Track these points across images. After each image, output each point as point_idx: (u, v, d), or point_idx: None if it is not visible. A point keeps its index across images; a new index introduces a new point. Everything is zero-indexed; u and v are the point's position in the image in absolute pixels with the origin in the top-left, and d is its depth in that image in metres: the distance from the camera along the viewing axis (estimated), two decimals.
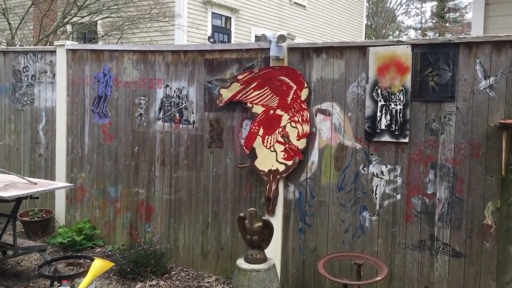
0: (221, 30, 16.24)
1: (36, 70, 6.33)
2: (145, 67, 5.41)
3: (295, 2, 19.71)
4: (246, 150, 4.69)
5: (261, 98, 4.60)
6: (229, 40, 16.22)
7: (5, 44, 9.54)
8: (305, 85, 4.40)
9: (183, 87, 5.15)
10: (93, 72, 5.81)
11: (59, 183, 5.10)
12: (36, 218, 5.87)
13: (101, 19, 9.83)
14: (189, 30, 12.94)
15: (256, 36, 17.23)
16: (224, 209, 4.94)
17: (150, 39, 10.81)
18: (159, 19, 10.05)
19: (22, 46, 9.46)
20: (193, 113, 5.10)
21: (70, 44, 6.05)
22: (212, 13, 15.76)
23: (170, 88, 5.24)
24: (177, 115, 5.21)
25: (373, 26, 35.67)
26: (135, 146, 5.52)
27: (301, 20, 19.80)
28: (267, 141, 4.58)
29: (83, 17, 9.38)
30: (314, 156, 4.42)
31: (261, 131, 4.60)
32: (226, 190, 4.92)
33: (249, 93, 4.64)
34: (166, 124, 5.30)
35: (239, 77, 4.69)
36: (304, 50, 4.45)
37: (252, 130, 4.65)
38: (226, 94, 4.77)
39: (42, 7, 9.36)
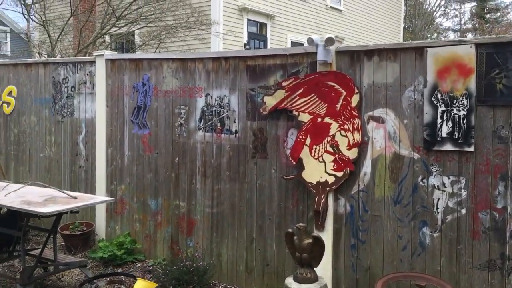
0: (257, 37, 16.07)
1: (75, 81, 6.27)
2: (185, 75, 5.23)
3: (331, 7, 19.37)
4: (292, 160, 4.42)
5: (307, 105, 4.32)
6: (264, 47, 16.02)
7: (45, 56, 9.66)
8: (356, 91, 4.10)
9: (225, 95, 4.94)
10: (132, 82, 5.68)
11: (99, 197, 4.96)
12: (76, 232, 5.77)
13: (138, 28, 9.81)
14: (225, 38, 12.81)
15: (292, 42, 16.97)
16: (270, 223, 4.68)
17: (187, 47, 10.73)
18: (196, 27, 9.94)
19: (62, 57, 9.54)
20: (235, 122, 4.88)
21: (109, 54, 5.96)
22: (248, 20, 15.61)
23: (211, 97, 5.04)
24: (219, 124, 5.00)
25: (410, 29, 34.83)
26: (175, 157, 5.34)
27: (338, 25, 19.42)
28: (315, 151, 4.30)
29: (121, 27, 9.38)
30: (367, 167, 4.11)
31: (308, 141, 4.33)
32: (271, 203, 4.66)
33: (294, 100, 4.38)
34: (207, 134, 5.09)
35: (284, 83, 4.44)
36: (353, 54, 4.16)
37: (298, 139, 4.37)
38: (270, 101, 4.52)
39: (81, 18, 9.41)
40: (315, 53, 4.26)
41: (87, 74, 6.15)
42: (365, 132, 4.11)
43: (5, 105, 6.96)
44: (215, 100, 5.01)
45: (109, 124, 5.90)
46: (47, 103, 6.56)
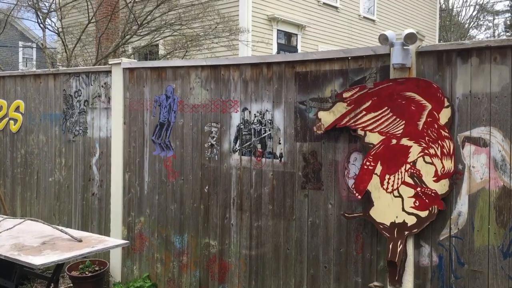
0: (287, 48, 15.15)
1: (89, 94, 5.41)
2: (217, 86, 4.30)
3: (364, 17, 18.38)
4: (356, 194, 3.41)
5: (378, 122, 3.32)
6: None
7: (60, 67, 8.93)
8: (445, 104, 3.09)
9: (266, 110, 3.98)
10: (153, 95, 4.78)
11: (110, 239, 4.02)
12: (87, 273, 4.85)
13: (163, 38, 9.00)
14: (254, 46, 11.89)
15: None
16: (325, 273, 3.65)
17: (214, 56, 9.85)
18: (224, 35, 9.08)
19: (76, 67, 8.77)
20: (279, 143, 3.90)
21: (127, 62, 5.08)
22: (278, 30, 14.73)
23: (249, 112, 4.09)
24: (259, 146, 4.04)
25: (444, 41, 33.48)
26: (204, 185, 4.38)
27: (370, 36, 18.39)
28: (388, 183, 3.28)
29: (143, 36, 8.59)
30: (462, 205, 3.07)
31: (378, 168, 3.31)
32: (327, 247, 3.64)
33: (360, 116, 3.39)
34: (244, 158, 4.13)
35: (345, 94, 3.45)
36: (442, 54, 3.15)
37: (365, 166, 3.37)
38: (327, 118, 3.54)
39: (100, 27, 8.65)
40: (387, 54, 3.29)
41: (102, 86, 5.28)
42: (459, 159, 3.07)
43: (11, 122, 6.15)
44: (255, 116, 4.06)
45: (126, 144, 5.00)
46: (57, 119, 5.71)
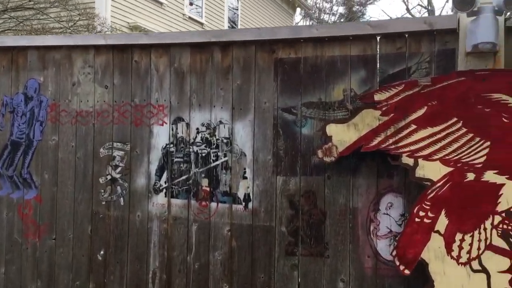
0: None
1: None
2: (125, 80, 2.54)
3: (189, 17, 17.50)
4: (400, 266, 1.99)
5: (439, 144, 1.97)
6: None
7: None
8: None
9: (220, 122, 2.36)
10: (1, 93, 2.79)
11: None
12: None
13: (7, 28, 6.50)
14: None
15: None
16: None
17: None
18: (83, 30, 6.95)
19: None
20: (244, 177, 2.31)
21: None
22: None
23: (187, 125, 2.42)
24: (204, 182, 2.38)
25: None
26: (98, 248, 2.54)
27: None
28: (461, 247, 1.93)
29: None
30: None
31: (442, 223, 1.95)
32: None
33: (405, 132, 2.00)
34: (176, 202, 2.43)
35: (378, 96, 2.04)
36: None
37: (416, 219, 1.97)
38: (344, 135, 2.07)
39: None
40: (452, 31, 1.98)
41: None
42: None
43: None
44: (198, 132, 2.40)
45: None
46: None
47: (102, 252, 2.55)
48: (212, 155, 2.38)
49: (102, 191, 2.57)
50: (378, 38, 2.12)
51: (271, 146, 2.28)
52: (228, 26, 15.39)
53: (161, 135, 2.47)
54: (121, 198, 2.54)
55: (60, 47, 2.68)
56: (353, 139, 2.06)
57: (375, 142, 2.03)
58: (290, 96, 2.25)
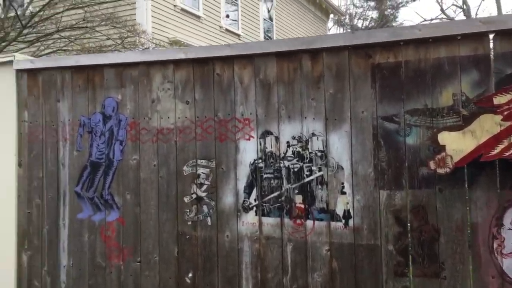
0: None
1: None
2: (207, 94, 2.44)
3: None
4: None
5: None
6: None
7: None
8: None
9: (313, 134, 2.22)
10: (78, 114, 2.74)
11: None
12: None
13: (60, 46, 6.58)
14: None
15: None
16: None
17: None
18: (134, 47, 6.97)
19: None
20: (343, 193, 2.15)
21: (24, 59, 2.95)
22: None
23: (276, 138, 2.29)
24: (298, 198, 2.24)
25: None
26: (185, 271, 2.44)
27: None
28: None
29: (32, 42, 6.18)
30: None
31: None
32: None
33: None
34: (267, 221, 2.30)
35: (498, 100, 1.85)
36: None
37: None
38: (459, 144, 1.89)
39: None
40: None
41: None
42: None
43: None
44: (288, 146, 2.27)
45: (23, 201, 2.84)
46: None
47: (190, 275, 2.44)
48: (305, 169, 2.24)
49: (188, 210, 2.46)
50: (491, 35, 1.94)
51: (371, 158, 2.11)
52: (264, 37, 15.36)
53: (248, 150, 2.35)
54: (208, 218, 2.42)
55: (137, 64, 2.61)
56: (470, 147, 1.88)
57: (497, 150, 1.84)
58: (390, 103, 2.09)
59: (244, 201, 2.36)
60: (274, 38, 15.81)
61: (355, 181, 2.14)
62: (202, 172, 2.45)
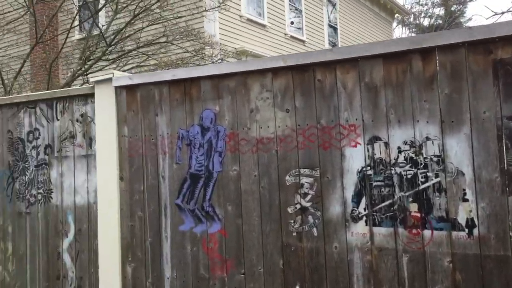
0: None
1: (54, 134, 3.29)
2: (308, 101, 2.37)
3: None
4: None
5: None
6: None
7: None
8: None
9: (427, 138, 2.09)
10: (176, 127, 2.77)
11: None
12: None
13: (141, 62, 6.86)
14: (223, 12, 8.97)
15: None
16: None
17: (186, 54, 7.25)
18: (208, 59, 7.11)
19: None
20: (464, 200, 2.00)
21: (121, 75, 3.04)
22: None
23: (385, 144, 2.18)
24: (413, 207, 2.11)
25: None
26: (291, 283, 2.37)
27: None
28: None
29: (114, 60, 6.49)
30: None
31: None
32: None
33: None
34: (379, 231, 2.18)
35: None
36: None
37: None
38: None
39: (42, 55, 6.42)
40: None
41: (78, 120, 3.19)
42: None
43: None
44: (399, 151, 2.15)
45: (126, 214, 2.90)
46: None
47: (297, 287, 2.37)
48: (420, 176, 2.11)
49: (292, 221, 2.40)
50: None
51: (497, 161, 1.95)
52: (328, 42, 15.18)
53: (355, 158, 2.26)
54: (314, 228, 2.35)
55: (234, 74, 2.60)
56: None
57: None
58: None
59: (352, 210, 2.26)
60: (339, 42, 15.60)
61: (479, 187, 1.98)
62: (306, 182, 2.38)
